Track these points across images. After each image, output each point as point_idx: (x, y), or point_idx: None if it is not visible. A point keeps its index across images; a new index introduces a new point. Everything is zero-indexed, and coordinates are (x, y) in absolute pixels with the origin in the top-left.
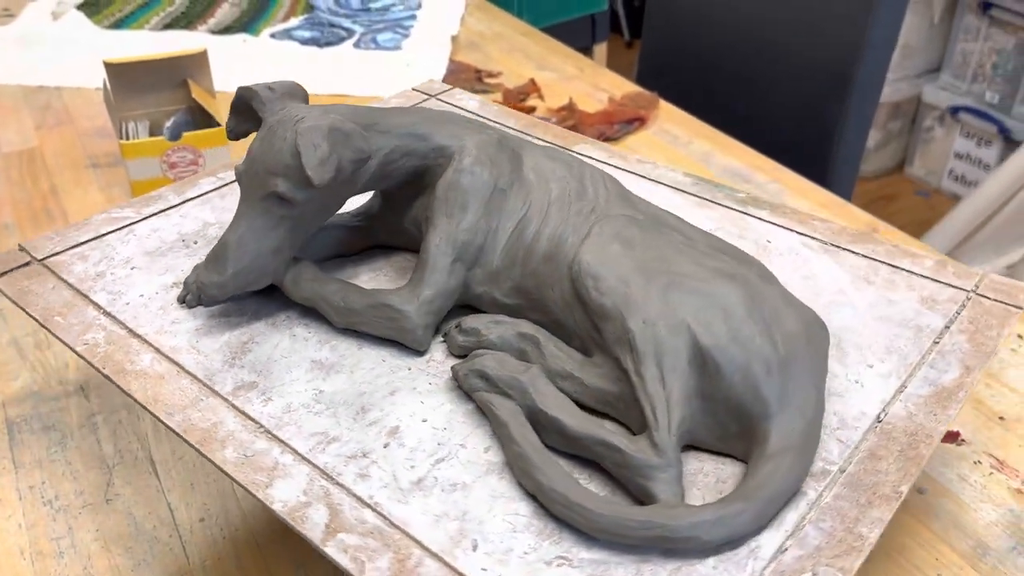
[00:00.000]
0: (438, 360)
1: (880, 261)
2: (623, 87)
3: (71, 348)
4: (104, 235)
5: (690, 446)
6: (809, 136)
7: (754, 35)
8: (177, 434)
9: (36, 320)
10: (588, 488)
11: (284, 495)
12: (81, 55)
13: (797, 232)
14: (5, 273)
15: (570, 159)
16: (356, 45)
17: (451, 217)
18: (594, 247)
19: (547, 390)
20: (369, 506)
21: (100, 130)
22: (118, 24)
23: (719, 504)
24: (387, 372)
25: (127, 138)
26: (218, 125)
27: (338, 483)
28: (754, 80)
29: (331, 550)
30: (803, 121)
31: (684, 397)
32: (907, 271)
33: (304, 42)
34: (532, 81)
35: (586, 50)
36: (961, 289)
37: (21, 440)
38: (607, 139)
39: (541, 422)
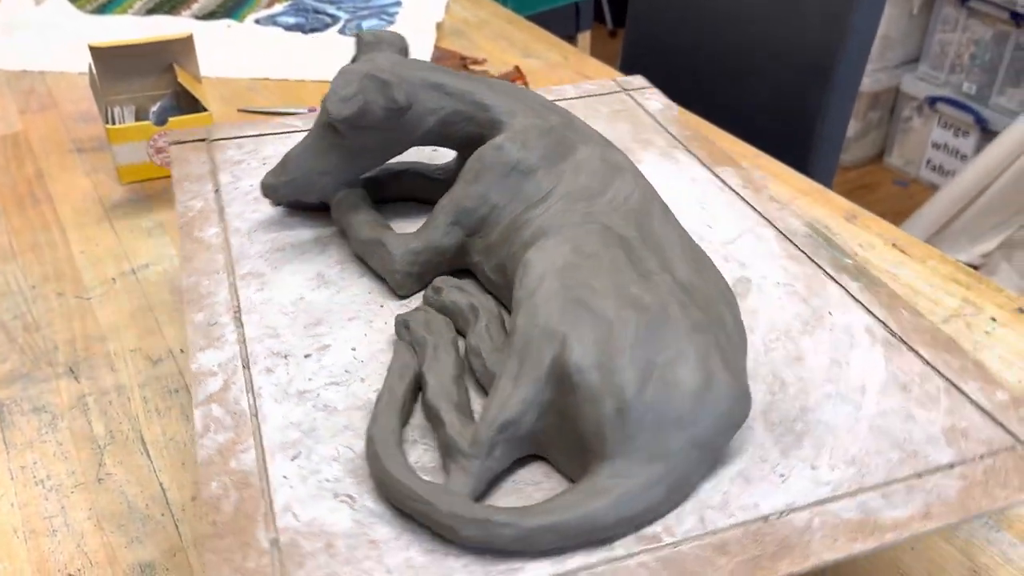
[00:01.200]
0: (412, 307)
1: (940, 373)
2: (607, 75)
3: (176, 204)
4: (266, 135)
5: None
6: (790, 125)
7: (737, 26)
8: (182, 291)
9: (173, 181)
10: (400, 450)
11: (204, 361)
12: (64, 40)
13: (872, 314)
14: (181, 143)
15: (620, 163)
16: (341, 31)
17: (466, 183)
18: (548, 245)
19: (443, 358)
20: (252, 393)
21: (84, 114)
22: (101, 9)
23: (491, 509)
24: (362, 302)
25: (113, 123)
26: (204, 110)
27: (247, 368)
28: (736, 70)
29: (198, 411)
30: (785, 110)
31: (524, 403)
32: (963, 393)
33: (289, 28)
34: (517, 68)
35: (570, 38)
36: (1011, 434)
37: (12, 421)
38: None
39: (421, 384)
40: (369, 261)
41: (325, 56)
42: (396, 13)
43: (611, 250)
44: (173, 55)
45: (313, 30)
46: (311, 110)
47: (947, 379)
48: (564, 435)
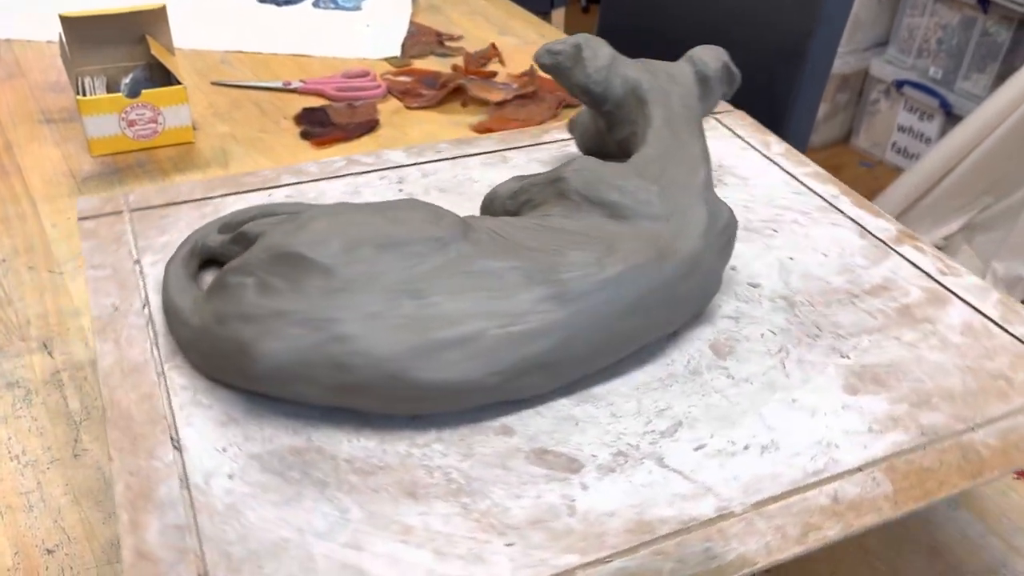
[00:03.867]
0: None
1: None
2: None
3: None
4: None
5: None
6: (762, 107)
7: (710, 8)
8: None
9: None
10: (201, 238)
11: (306, 166)
12: (30, 6)
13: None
14: None
15: (627, 259)
16: (315, 4)
17: (544, 173)
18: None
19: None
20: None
21: (54, 84)
22: None
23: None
24: (460, 205)
25: (84, 94)
26: (178, 83)
27: (324, 180)
28: None
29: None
30: (756, 93)
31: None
32: None
33: (262, 0)
34: (493, 46)
35: (544, 15)
36: None
37: None
38: (567, 105)
39: None
40: None
41: (298, 29)
42: None
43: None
44: (145, 26)
45: (287, 2)
46: (285, 84)
47: None
48: None
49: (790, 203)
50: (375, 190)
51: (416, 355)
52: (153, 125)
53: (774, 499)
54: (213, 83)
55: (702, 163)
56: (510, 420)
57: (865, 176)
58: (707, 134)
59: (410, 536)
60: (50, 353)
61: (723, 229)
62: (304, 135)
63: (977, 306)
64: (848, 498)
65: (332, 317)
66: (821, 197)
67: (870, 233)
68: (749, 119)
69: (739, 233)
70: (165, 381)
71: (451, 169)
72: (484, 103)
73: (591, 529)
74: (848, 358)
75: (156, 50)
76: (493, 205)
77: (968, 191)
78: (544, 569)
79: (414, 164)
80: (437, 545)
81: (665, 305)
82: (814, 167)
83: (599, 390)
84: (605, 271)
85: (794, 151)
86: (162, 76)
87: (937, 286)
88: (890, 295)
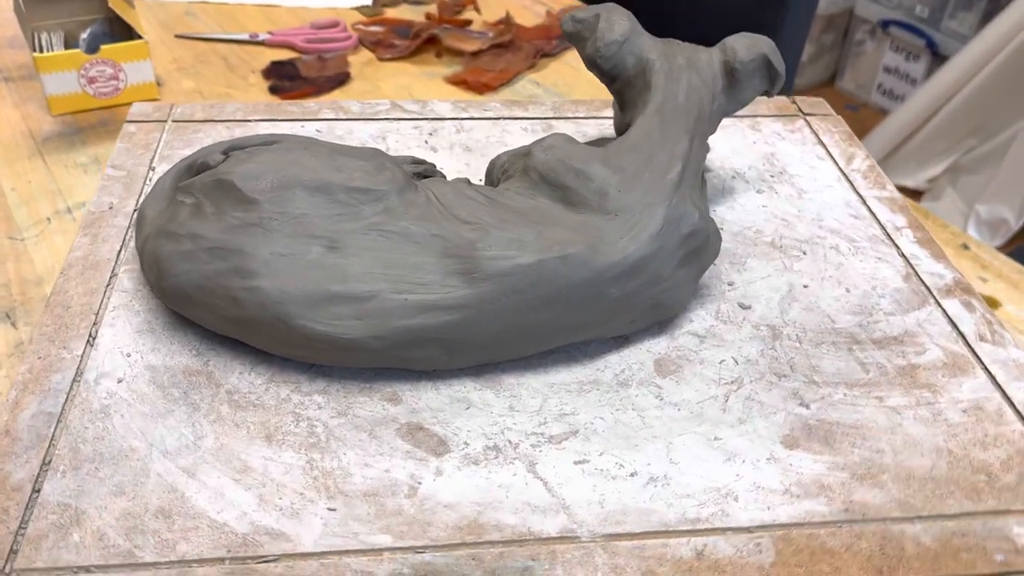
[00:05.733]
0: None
1: None
2: (562, 1)
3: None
4: None
5: None
6: None
7: None
8: None
9: None
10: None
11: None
12: None
13: None
14: None
15: (550, 245)
16: None
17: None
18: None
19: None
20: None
21: (11, 40)
22: None
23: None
24: (471, 154)
25: (40, 50)
26: (139, 37)
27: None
28: None
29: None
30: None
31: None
32: None
33: None
34: None
35: None
36: None
37: None
38: (545, 55)
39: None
40: None
41: None
42: None
43: (396, 186)
44: None
45: None
46: (252, 36)
47: None
48: None
49: (840, 227)
50: (402, 138)
51: (305, 303)
52: (115, 82)
53: (631, 536)
54: (177, 36)
55: (679, 161)
56: (402, 388)
57: (850, 119)
58: (789, 135)
59: (244, 476)
60: (13, 324)
61: (686, 238)
62: (273, 90)
63: (1003, 386)
64: (715, 557)
65: (239, 249)
66: (881, 226)
67: (917, 276)
68: (844, 126)
69: (759, 250)
70: (114, 282)
71: (489, 129)
72: (459, 53)
73: (421, 516)
74: (808, 408)
75: (114, 3)
76: (492, 171)
77: (953, 133)
78: (352, 543)
79: (454, 119)
80: (264, 492)
81: (593, 306)
82: (892, 191)
83: (510, 379)
84: (522, 256)
85: (878, 170)
86: (123, 30)
87: (966, 351)
88: (900, 350)
